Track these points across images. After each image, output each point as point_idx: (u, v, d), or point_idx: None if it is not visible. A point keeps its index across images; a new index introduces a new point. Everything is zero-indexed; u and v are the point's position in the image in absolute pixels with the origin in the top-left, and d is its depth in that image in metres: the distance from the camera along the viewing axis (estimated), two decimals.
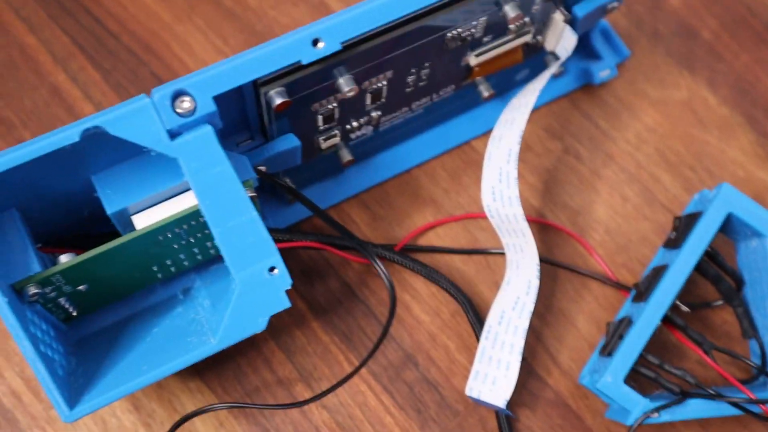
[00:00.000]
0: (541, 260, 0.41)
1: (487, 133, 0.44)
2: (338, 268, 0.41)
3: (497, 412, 0.38)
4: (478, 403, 0.38)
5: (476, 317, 0.39)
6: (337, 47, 0.31)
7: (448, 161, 0.44)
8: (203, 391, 0.38)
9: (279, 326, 0.40)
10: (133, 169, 0.33)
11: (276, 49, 0.30)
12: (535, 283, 0.37)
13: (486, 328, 0.37)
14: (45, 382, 0.30)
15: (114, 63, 0.44)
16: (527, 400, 0.39)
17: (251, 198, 0.32)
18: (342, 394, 0.39)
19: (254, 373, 0.39)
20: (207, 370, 0.39)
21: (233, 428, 0.38)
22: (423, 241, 0.42)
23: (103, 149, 0.31)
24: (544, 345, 0.40)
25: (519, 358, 0.36)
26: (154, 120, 0.29)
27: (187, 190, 0.33)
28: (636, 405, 0.36)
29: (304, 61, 0.31)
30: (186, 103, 0.29)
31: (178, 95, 0.29)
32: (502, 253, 0.41)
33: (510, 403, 0.39)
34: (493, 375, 0.37)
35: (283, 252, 0.40)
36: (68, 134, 0.29)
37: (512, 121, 0.36)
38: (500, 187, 0.36)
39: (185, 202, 0.33)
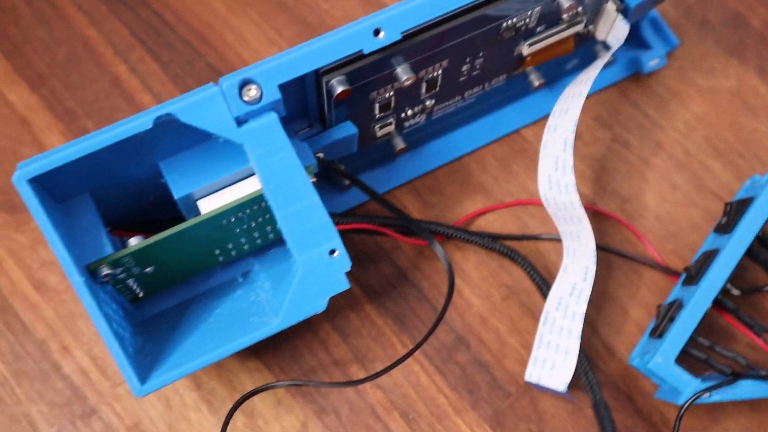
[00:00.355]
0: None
1: (537, 121, 0.44)
2: (390, 253, 0.42)
3: (595, 403, 0.38)
4: (538, 389, 0.39)
5: (544, 286, 0.40)
6: (397, 37, 0.32)
7: (498, 149, 0.44)
8: (261, 370, 0.40)
9: (334, 309, 0.41)
10: (198, 155, 0.34)
11: (339, 39, 0.31)
12: (592, 269, 0.37)
13: (544, 314, 0.38)
14: (119, 358, 0.31)
15: (171, 55, 0.45)
16: (579, 382, 0.40)
17: (312, 183, 0.33)
18: (395, 375, 0.40)
19: (310, 354, 0.40)
20: (265, 351, 0.40)
21: (291, 406, 0.39)
22: (474, 228, 0.43)
23: (172, 136, 0.32)
24: (595, 329, 0.41)
25: (577, 342, 0.37)
26: (222, 108, 0.31)
27: (250, 175, 0.34)
28: (687, 385, 0.36)
29: (366, 51, 0.32)
30: (253, 91, 0.31)
31: (245, 84, 0.31)
32: (553, 239, 0.42)
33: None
34: (552, 360, 0.38)
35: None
36: (142, 122, 0.30)
37: (566, 111, 0.37)
38: (556, 176, 0.37)
39: (248, 187, 0.34)
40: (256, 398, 0.39)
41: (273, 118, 0.31)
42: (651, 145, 0.45)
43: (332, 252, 0.33)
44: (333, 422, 0.39)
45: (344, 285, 0.33)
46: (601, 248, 0.42)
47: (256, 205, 0.34)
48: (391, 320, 0.41)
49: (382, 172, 0.43)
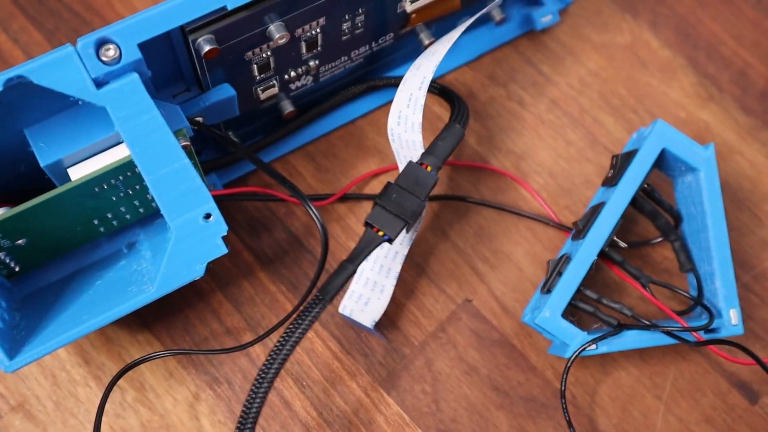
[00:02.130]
0: (485, 204, 0.42)
1: None
2: (284, 219, 0.41)
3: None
4: (350, 323, 0.39)
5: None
6: None
7: None
8: (152, 342, 0.39)
9: (226, 278, 0.40)
10: (66, 121, 0.33)
11: None
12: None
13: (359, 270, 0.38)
14: None
15: (56, 23, 0.44)
16: (473, 342, 0.40)
17: (184, 147, 0.32)
18: None
19: (202, 324, 0.39)
20: (156, 323, 0.39)
21: (182, 378, 0.38)
22: (368, 190, 0.42)
23: (34, 101, 0.31)
24: (489, 287, 0.41)
25: (393, 283, 0.38)
26: (79, 68, 0.29)
27: (122, 141, 0.33)
28: (574, 338, 0.36)
29: (229, 6, 0.31)
30: (111, 51, 0.30)
31: (102, 43, 0.30)
32: (446, 198, 0.42)
33: (457, 344, 0.39)
34: (367, 296, 0.38)
35: (227, 203, 0.41)
36: None
37: (433, 53, 0.37)
38: (406, 112, 0.36)
39: (120, 153, 0.33)
40: (146, 371, 0.38)
41: (134, 78, 0.30)
42: (546, 102, 0.45)
43: (207, 216, 0.32)
44: (226, 392, 0.38)
45: (221, 249, 0.32)
46: (495, 207, 0.42)
47: (129, 171, 0.33)
48: (285, 286, 0.40)
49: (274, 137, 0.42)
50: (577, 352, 0.36)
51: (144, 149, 0.31)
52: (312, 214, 0.35)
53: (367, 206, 0.42)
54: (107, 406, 0.37)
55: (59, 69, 0.29)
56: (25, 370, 0.38)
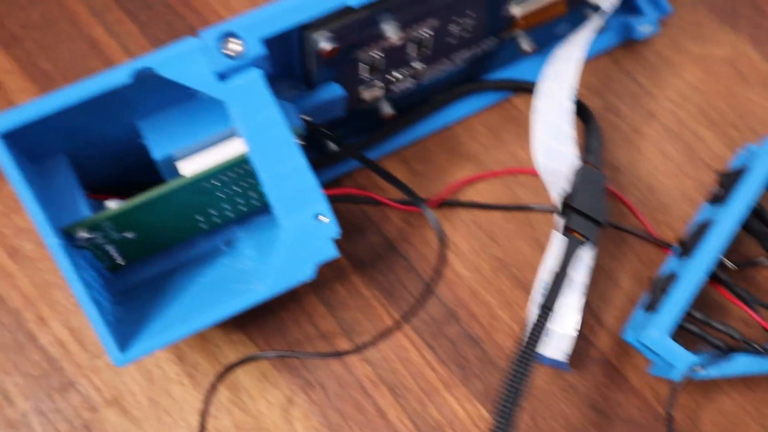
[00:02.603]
0: None
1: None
2: (379, 223, 0.41)
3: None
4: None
5: None
6: None
7: (487, 117, 0.43)
8: (246, 343, 0.38)
9: (320, 281, 0.39)
10: (179, 114, 0.33)
11: None
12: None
13: (537, 283, 0.37)
14: (97, 325, 0.30)
15: (150, 16, 0.44)
16: (572, 359, 0.39)
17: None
18: (384, 349, 0.39)
19: (296, 326, 0.39)
20: (249, 323, 0.39)
21: (276, 380, 0.38)
22: (463, 198, 0.42)
23: (150, 93, 0.31)
24: (587, 303, 0.40)
25: (579, 313, 0.36)
26: (203, 62, 0.29)
27: (234, 136, 0.33)
28: (681, 360, 0.35)
29: (354, 5, 0.31)
30: (235, 45, 0.29)
31: (226, 37, 0.29)
32: (543, 210, 0.41)
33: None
34: (551, 330, 0.36)
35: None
36: (118, 75, 0.28)
37: (560, 75, 0.36)
38: (555, 145, 0.36)
39: (232, 149, 0.33)
40: (240, 373, 0.38)
41: (257, 74, 0.30)
42: (643, 114, 0.44)
43: (319, 216, 0.31)
44: (319, 397, 0.38)
45: (332, 252, 0.32)
46: None
47: (241, 168, 0.33)
48: (378, 292, 0.40)
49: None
50: (686, 375, 0.35)
51: (262, 146, 0.31)
52: (430, 220, 0.34)
53: (462, 214, 0.41)
54: (200, 405, 0.37)
55: (184, 61, 0.29)
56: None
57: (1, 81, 0.41)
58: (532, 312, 0.37)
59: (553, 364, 0.37)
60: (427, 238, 0.41)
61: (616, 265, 0.41)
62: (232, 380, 0.37)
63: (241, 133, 0.30)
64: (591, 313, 0.40)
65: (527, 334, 0.33)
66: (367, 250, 0.40)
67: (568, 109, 0.35)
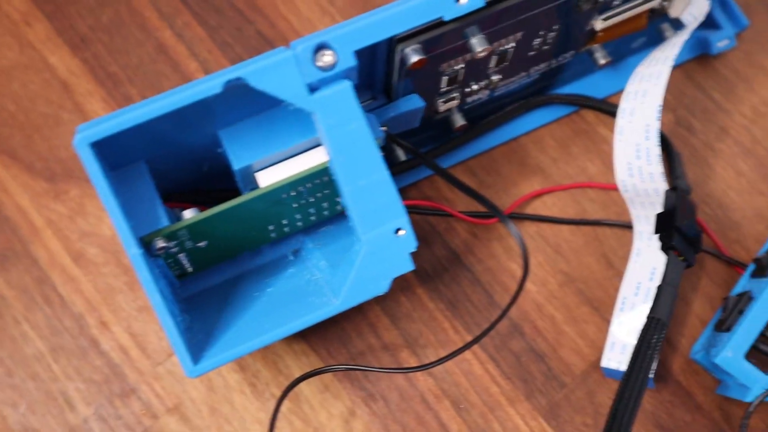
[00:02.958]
0: None
1: None
2: (444, 234, 0.40)
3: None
4: (610, 377, 0.37)
5: None
6: (482, 3, 0.30)
7: (557, 130, 0.42)
8: (308, 353, 0.38)
9: None
10: (259, 125, 0.32)
11: (419, 4, 0.29)
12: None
13: (621, 299, 0.37)
14: (173, 337, 0.29)
15: (219, 20, 0.43)
16: None
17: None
18: (447, 363, 0.38)
19: (359, 337, 0.38)
20: (312, 334, 0.38)
21: (338, 392, 0.37)
22: (530, 211, 0.41)
23: (234, 103, 0.31)
24: None
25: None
26: (294, 73, 0.29)
27: (312, 147, 0.32)
28: (757, 381, 0.35)
29: (446, 18, 0.30)
30: (327, 57, 0.29)
31: (319, 48, 0.29)
32: (612, 225, 0.40)
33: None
34: (632, 345, 0.36)
35: None
36: (211, 85, 0.28)
37: (644, 93, 0.35)
38: (639, 164, 0.35)
39: (311, 160, 0.32)
40: (302, 383, 0.37)
41: (347, 86, 0.29)
42: (716, 130, 0.43)
43: (398, 231, 0.31)
44: (381, 409, 0.37)
45: (409, 266, 0.31)
46: None
47: (319, 179, 0.32)
48: (443, 305, 0.39)
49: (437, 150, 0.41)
50: (761, 398, 0.34)
51: (347, 159, 0.30)
52: (513, 233, 0.34)
53: (529, 227, 0.41)
54: (261, 415, 0.37)
55: (275, 72, 0.28)
56: (180, 373, 0.37)
57: (69, 83, 0.41)
58: (615, 329, 0.36)
59: None
60: (493, 252, 0.40)
61: (686, 283, 0.40)
62: (294, 391, 0.37)
63: (326, 145, 0.30)
64: None
65: (635, 351, 0.33)
66: (432, 262, 0.40)
67: (654, 127, 0.34)
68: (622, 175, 0.36)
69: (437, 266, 0.40)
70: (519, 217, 0.41)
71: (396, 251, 0.31)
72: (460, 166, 0.42)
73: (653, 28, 0.41)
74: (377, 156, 0.30)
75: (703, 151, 0.42)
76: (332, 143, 0.30)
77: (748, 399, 0.35)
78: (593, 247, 0.40)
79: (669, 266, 0.35)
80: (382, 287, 0.31)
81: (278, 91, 0.28)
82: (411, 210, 0.39)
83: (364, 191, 0.30)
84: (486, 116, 0.41)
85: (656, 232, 0.36)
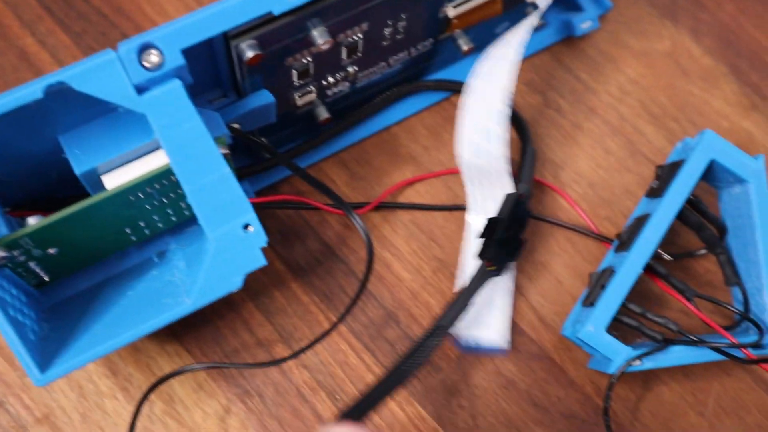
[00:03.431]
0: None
1: None
2: (317, 228, 0.40)
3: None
4: (473, 352, 0.38)
5: None
6: None
7: (427, 118, 0.43)
8: (181, 354, 0.38)
9: (257, 288, 0.39)
10: (101, 128, 0.32)
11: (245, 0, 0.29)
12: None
13: (460, 271, 0.38)
14: (15, 346, 0.29)
15: (84, 26, 0.43)
16: (511, 355, 0.39)
17: (224, 155, 0.31)
18: (322, 353, 0.38)
19: (233, 335, 0.38)
20: (185, 334, 0.38)
21: (212, 390, 0.37)
22: (403, 199, 0.41)
23: (70, 107, 0.30)
24: (526, 298, 0.40)
25: (510, 296, 0.37)
26: (120, 74, 0.29)
27: (159, 148, 0.32)
28: (618, 353, 0.35)
29: (276, 12, 0.30)
30: (153, 57, 0.29)
31: (144, 48, 0.29)
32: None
33: (495, 357, 0.38)
34: (485, 318, 0.37)
35: (260, 212, 0.40)
36: (31, 90, 0.28)
37: (493, 74, 0.36)
38: (482, 144, 0.36)
39: (156, 161, 0.32)
40: (175, 383, 0.37)
41: (177, 85, 0.29)
42: (584, 110, 0.44)
43: (246, 227, 0.31)
44: (257, 405, 0.37)
45: (261, 261, 0.31)
46: (534, 217, 0.41)
47: (166, 179, 0.32)
48: (317, 297, 0.39)
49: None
50: (622, 369, 0.35)
51: (185, 158, 0.30)
52: (356, 224, 0.34)
53: (402, 215, 0.41)
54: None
55: (100, 75, 0.28)
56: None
57: None
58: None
59: (491, 350, 0.37)
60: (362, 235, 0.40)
61: (558, 261, 0.41)
62: (167, 392, 0.37)
63: (163, 145, 0.30)
64: (531, 308, 0.40)
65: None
66: (305, 256, 0.40)
67: (500, 110, 0.35)
68: (464, 152, 0.36)
69: (311, 260, 0.40)
70: (391, 206, 0.41)
71: (246, 247, 0.31)
72: (332, 159, 0.42)
73: (518, 12, 0.42)
74: (217, 154, 0.30)
75: (572, 131, 0.43)
76: (168, 143, 0.30)
77: (611, 371, 0.36)
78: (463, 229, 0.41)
79: (477, 274, 0.36)
80: (235, 284, 0.31)
81: (104, 93, 0.28)
82: (273, 205, 0.39)
83: (206, 189, 0.30)
84: (354, 108, 0.41)
85: (480, 237, 0.37)
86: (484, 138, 0.36)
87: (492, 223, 0.36)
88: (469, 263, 0.38)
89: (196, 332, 0.38)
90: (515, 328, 0.39)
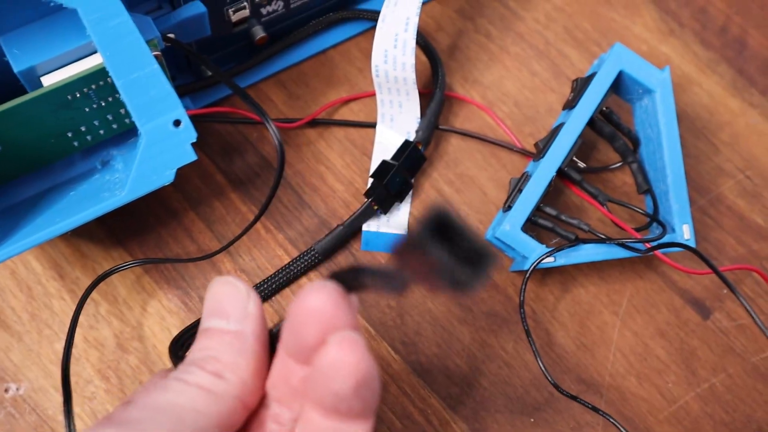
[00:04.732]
0: (451, 131, 0.43)
1: None
2: (256, 144, 0.43)
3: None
4: (374, 250, 0.41)
5: None
6: None
7: (363, 42, 0.45)
8: (125, 258, 0.40)
9: (198, 198, 0.41)
10: (41, 30, 0.34)
11: None
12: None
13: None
14: None
15: None
16: None
17: (156, 57, 0.33)
18: (259, 258, 0.40)
19: (175, 241, 0.40)
20: (129, 240, 0.40)
21: (154, 291, 0.39)
22: (338, 117, 0.44)
23: (6, 8, 0.32)
24: (454, 209, 0.42)
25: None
26: None
27: (96, 52, 0.34)
28: (533, 250, 0.38)
29: None
30: None
31: None
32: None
33: None
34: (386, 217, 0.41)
35: (201, 128, 0.42)
36: None
37: None
38: (394, 53, 0.38)
39: (93, 62, 0.34)
40: (119, 285, 0.39)
41: None
42: (512, 36, 0.46)
43: (177, 123, 0.33)
44: (197, 305, 0.39)
45: (191, 156, 0.33)
46: (461, 133, 0.43)
47: (102, 80, 0.34)
48: (255, 206, 0.41)
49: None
50: (535, 263, 0.37)
51: (115, 53, 0.32)
52: (270, 130, 0.36)
53: (336, 132, 0.43)
54: (81, 318, 0.39)
55: None
56: (0, 283, 0.39)
57: None
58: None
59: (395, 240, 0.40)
60: (302, 156, 0.42)
61: (484, 175, 0.43)
62: (111, 293, 0.39)
63: (94, 40, 0.32)
64: (458, 219, 0.42)
65: None
66: (244, 169, 0.42)
67: (413, 21, 0.37)
68: (377, 60, 0.39)
69: (249, 173, 0.42)
70: (326, 122, 0.43)
71: (177, 142, 0.33)
72: (271, 80, 0.44)
73: None
74: (146, 50, 0.32)
75: (500, 54, 0.46)
76: (98, 38, 0.32)
77: (526, 268, 0.38)
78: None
79: (361, 211, 0.40)
80: (167, 177, 0.33)
81: None
82: (207, 118, 0.41)
83: (137, 84, 0.32)
84: (289, 30, 0.43)
85: (371, 176, 0.40)
86: (393, 45, 0.38)
87: (384, 166, 0.40)
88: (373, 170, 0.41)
89: (140, 239, 0.40)
90: None
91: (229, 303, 0.27)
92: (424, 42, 0.43)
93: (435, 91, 0.42)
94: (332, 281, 0.24)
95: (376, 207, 0.40)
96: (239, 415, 0.26)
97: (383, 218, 0.41)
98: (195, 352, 0.27)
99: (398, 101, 0.40)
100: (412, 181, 0.41)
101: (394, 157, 0.41)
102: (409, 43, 0.37)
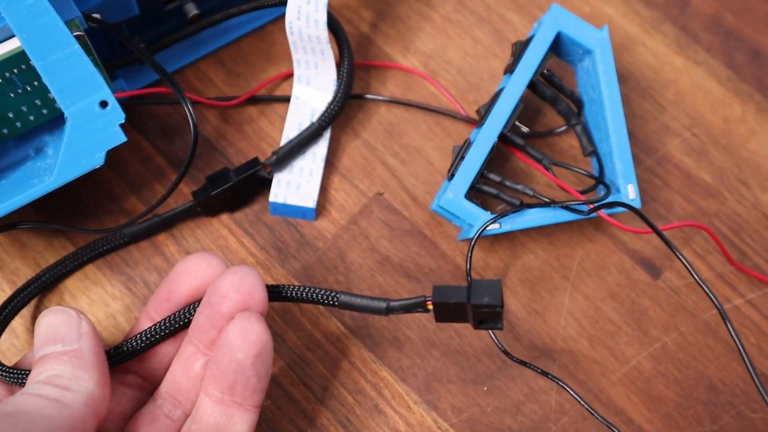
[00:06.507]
0: (394, 102, 0.43)
1: None
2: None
3: None
4: (282, 215, 0.41)
5: None
6: None
7: None
8: (67, 247, 0.39)
9: (139, 182, 0.40)
10: None
11: None
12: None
13: (284, 139, 0.40)
14: None
15: None
16: (385, 233, 0.41)
17: (78, 37, 0.33)
18: (203, 240, 0.40)
19: (116, 225, 0.40)
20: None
21: (97, 279, 0.39)
22: (279, 93, 0.43)
23: None
24: (399, 180, 0.42)
25: (321, 165, 0.40)
26: None
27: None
28: (477, 218, 0.37)
29: None
30: None
31: None
32: (358, 97, 0.43)
33: (369, 235, 0.40)
34: (296, 181, 0.40)
35: (139, 110, 0.41)
36: None
37: None
38: (307, 9, 0.37)
39: (13, 45, 0.33)
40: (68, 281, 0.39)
41: None
42: (453, 3, 0.45)
43: (103, 104, 0.32)
44: (142, 290, 0.39)
45: (120, 137, 0.33)
46: (404, 103, 0.43)
47: (24, 64, 0.33)
48: (197, 187, 0.41)
49: (184, 44, 0.43)
50: (480, 230, 0.37)
51: (32, 34, 0.31)
52: (186, 108, 0.35)
53: (278, 108, 0.42)
54: (24, 310, 0.38)
55: None
56: None
57: None
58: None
59: (300, 210, 0.40)
60: (245, 134, 0.42)
61: (429, 144, 0.42)
62: (55, 283, 0.38)
63: (7, 19, 0.31)
64: (404, 189, 0.41)
65: None
66: (185, 150, 0.41)
67: None
68: (291, 16, 0.38)
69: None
70: (266, 99, 0.42)
71: (105, 124, 0.32)
72: (209, 59, 0.43)
73: None
74: (64, 31, 0.31)
75: (442, 23, 0.45)
76: (13, 20, 0.31)
77: (472, 235, 0.38)
78: (340, 119, 0.43)
79: (185, 208, 0.39)
80: (97, 160, 0.32)
81: None
82: (137, 100, 0.41)
83: (57, 66, 0.31)
84: (223, 6, 0.42)
85: (206, 177, 0.40)
86: (307, 2, 0.37)
87: (222, 174, 0.39)
88: (292, 127, 0.41)
89: (80, 226, 0.40)
90: (389, 207, 0.41)
91: (61, 329, 0.30)
92: (330, 20, 0.43)
93: (342, 63, 0.41)
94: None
95: (199, 209, 0.39)
96: (90, 423, 0.28)
97: (292, 187, 0.40)
98: (35, 376, 0.29)
99: (314, 61, 0.39)
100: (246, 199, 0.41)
101: (237, 171, 0.40)
102: (321, 1, 0.37)
